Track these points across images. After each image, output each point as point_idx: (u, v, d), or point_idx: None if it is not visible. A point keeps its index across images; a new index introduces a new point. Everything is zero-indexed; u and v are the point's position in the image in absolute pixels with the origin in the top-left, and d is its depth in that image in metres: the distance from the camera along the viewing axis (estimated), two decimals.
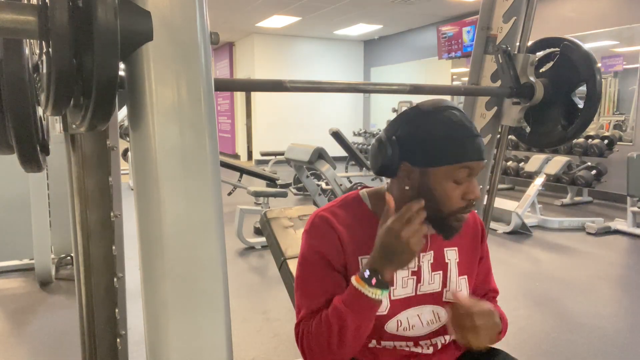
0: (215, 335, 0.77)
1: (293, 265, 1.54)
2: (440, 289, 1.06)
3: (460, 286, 1.08)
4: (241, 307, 2.87)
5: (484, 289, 1.17)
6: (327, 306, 0.97)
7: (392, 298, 1.02)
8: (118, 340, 1.26)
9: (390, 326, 1.03)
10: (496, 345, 1.17)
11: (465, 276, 1.09)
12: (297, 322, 1.02)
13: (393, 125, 0.98)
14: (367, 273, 0.91)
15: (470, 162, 0.92)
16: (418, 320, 1.04)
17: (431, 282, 1.05)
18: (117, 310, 1.23)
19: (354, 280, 0.92)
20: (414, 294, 1.04)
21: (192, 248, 0.75)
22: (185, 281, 0.75)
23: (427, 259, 1.05)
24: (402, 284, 1.03)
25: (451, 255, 1.08)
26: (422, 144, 0.93)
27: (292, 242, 1.65)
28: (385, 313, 1.02)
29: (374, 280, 0.90)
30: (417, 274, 1.04)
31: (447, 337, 1.09)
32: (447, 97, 8.34)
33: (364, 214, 1.06)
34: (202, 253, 0.76)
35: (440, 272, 1.06)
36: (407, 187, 0.97)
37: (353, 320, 0.92)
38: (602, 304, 3.01)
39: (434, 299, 1.06)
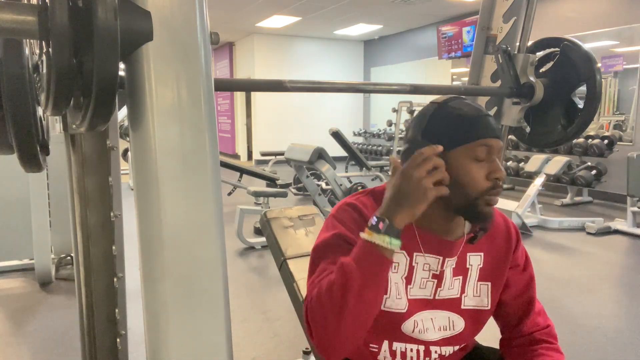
0: (215, 335, 0.77)
1: (293, 265, 1.54)
2: (458, 295, 1.02)
3: (479, 291, 1.03)
4: (241, 307, 2.87)
5: (520, 303, 1.08)
6: None
7: (409, 297, 0.99)
8: (118, 340, 1.26)
9: (407, 326, 0.99)
10: (496, 345, 1.17)
11: (489, 283, 1.04)
12: (305, 300, 0.92)
13: (415, 125, 0.97)
14: (374, 219, 0.84)
15: (486, 139, 0.91)
16: (431, 324, 1.01)
17: (450, 288, 1.01)
18: (117, 310, 1.23)
19: (362, 233, 0.85)
20: (432, 297, 1.00)
21: (192, 248, 0.75)
22: (185, 281, 0.75)
23: (450, 264, 1.01)
24: (421, 284, 0.99)
25: (474, 260, 1.03)
26: (439, 129, 0.93)
27: (292, 242, 1.64)
28: (403, 311, 0.98)
29: (381, 225, 0.82)
30: (439, 277, 1.00)
31: (457, 348, 1.06)
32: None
33: None
34: (202, 253, 0.76)
35: (461, 277, 1.02)
36: None
37: (358, 275, 0.82)
38: (602, 304, 3.01)
39: (451, 305, 1.02)
